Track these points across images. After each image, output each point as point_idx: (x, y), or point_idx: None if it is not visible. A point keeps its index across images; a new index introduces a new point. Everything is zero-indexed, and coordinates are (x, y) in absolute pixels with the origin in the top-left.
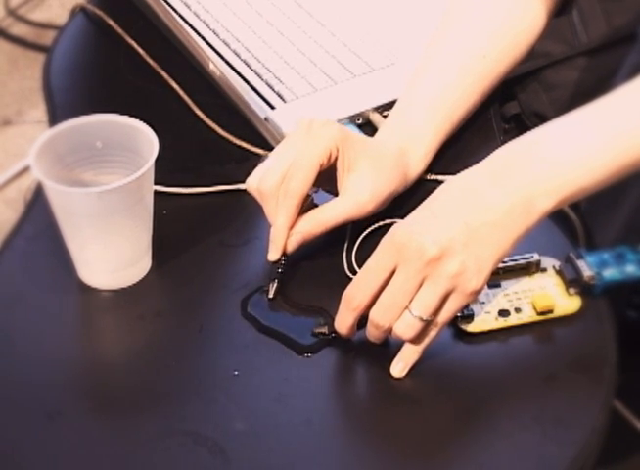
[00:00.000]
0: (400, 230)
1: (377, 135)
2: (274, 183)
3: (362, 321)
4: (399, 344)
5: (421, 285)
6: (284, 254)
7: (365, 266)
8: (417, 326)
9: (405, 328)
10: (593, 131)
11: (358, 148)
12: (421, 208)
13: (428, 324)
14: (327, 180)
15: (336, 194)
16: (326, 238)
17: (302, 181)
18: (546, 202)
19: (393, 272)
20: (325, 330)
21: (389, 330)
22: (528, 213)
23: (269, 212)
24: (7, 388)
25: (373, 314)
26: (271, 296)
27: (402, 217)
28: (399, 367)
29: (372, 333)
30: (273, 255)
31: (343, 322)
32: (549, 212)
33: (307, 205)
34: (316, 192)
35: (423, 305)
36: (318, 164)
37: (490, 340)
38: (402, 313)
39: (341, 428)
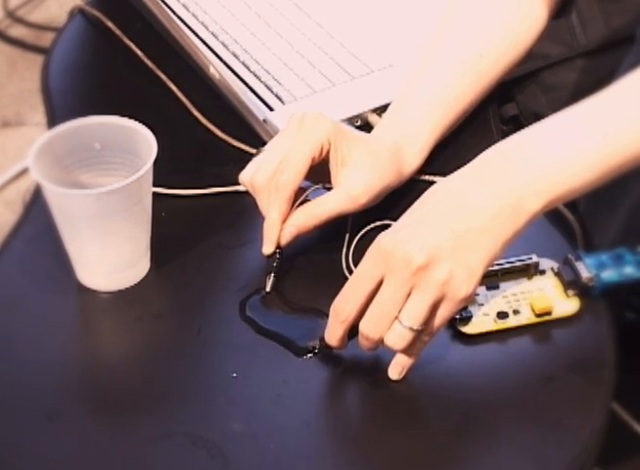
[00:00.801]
0: (386, 239)
1: (373, 131)
2: (266, 177)
3: (354, 331)
4: None
5: (409, 294)
6: (278, 247)
7: (352, 277)
8: (408, 337)
9: (396, 339)
10: (582, 131)
11: (352, 142)
12: (407, 214)
13: (419, 333)
14: (322, 174)
15: (331, 188)
16: (325, 238)
17: (293, 174)
18: (535, 203)
19: (382, 281)
20: (317, 343)
21: (381, 341)
22: (517, 216)
23: (262, 206)
24: (6, 389)
25: (362, 326)
26: (268, 289)
27: (398, 218)
28: (396, 371)
29: (363, 344)
30: (267, 248)
31: (333, 334)
32: (538, 214)
33: (300, 199)
34: (309, 187)
35: (413, 315)
36: (310, 158)
37: (489, 341)
38: (392, 324)
39: (339, 430)
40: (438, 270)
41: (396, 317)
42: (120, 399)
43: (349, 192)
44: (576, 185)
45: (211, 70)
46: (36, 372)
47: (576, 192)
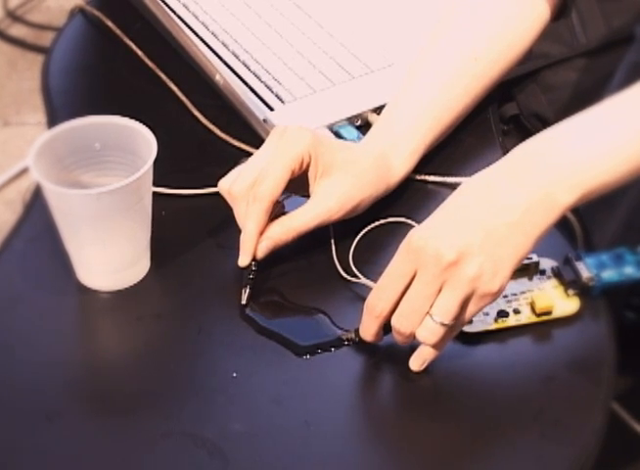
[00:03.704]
0: (417, 235)
1: (364, 138)
2: (244, 186)
3: (388, 326)
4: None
5: (440, 290)
6: (254, 259)
7: (385, 273)
8: (439, 332)
9: (427, 334)
10: (612, 127)
11: (333, 153)
12: (438, 210)
13: (451, 328)
14: (302, 186)
15: (305, 196)
16: (323, 238)
17: (271, 186)
18: (567, 198)
19: (414, 277)
20: (352, 335)
21: (413, 335)
22: (549, 211)
23: (238, 215)
24: (6, 389)
25: (394, 321)
26: (244, 302)
27: (397, 216)
28: (418, 362)
29: (397, 339)
30: (243, 260)
31: (368, 330)
32: (571, 207)
33: (277, 211)
34: (287, 198)
35: (444, 311)
36: (289, 170)
37: (489, 341)
38: (424, 319)
39: (339, 430)
40: (469, 266)
41: (428, 313)
42: (120, 399)
43: (327, 204)
44: (609, 180)
45: (212, 70)
46: (36, 372)
47: (610, 186)
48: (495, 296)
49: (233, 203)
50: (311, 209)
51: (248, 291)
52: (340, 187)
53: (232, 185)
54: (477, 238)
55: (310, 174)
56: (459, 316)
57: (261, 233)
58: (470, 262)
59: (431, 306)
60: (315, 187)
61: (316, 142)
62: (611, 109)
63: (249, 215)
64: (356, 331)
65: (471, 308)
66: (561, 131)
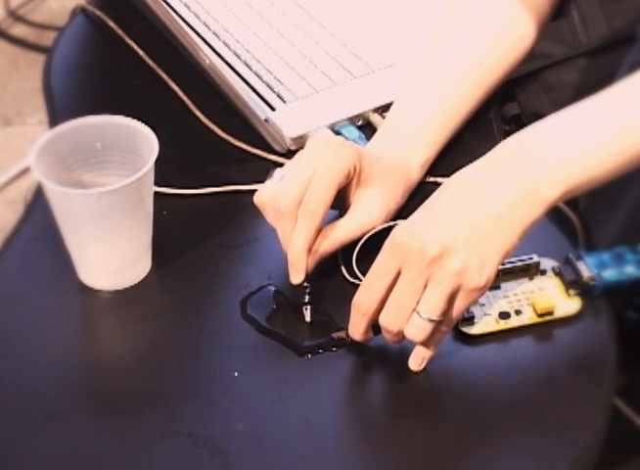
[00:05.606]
0: (401, 231)
1: (373, 142)
2: (293, 203)
3: (379, 326)
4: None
5: (426, 286)
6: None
7: (370, 271)
8: (427, 328)
9: (415, 331)
10: (599, 123)
11: (371, 165)
12: (423, 207)
13: (438, 324)
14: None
15: (339, 207)
16: None
17: (323, 203)
18: (553, 192)
19: (399, 274)
20: (343, 335)
21: (402, 333)
22: (534, 205)
23: (285, 233)
24: (7, 389)
25: (382, 319)
26: (309, 320)
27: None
28: (416, 362)
29: (386, 338)
30: (297, 278)
31: (356, 328)
32: (556, 202)
33: None
34: None
35: (430, 307)
36: (338, 185)
37: (491, 342)
38: (411, 316)
39: (340, 429)
40: (453, 260)
41: (414, 309)
42: (121, 399)
43: (370, 214)
44: (596, 175)
45: (212, 67)
46: (37, 372)
47: (597, 181)
48: (482, 290)
49: (278, 219)
50: (355, 219)
51: (310, 308)
52: (380, 197)
53: (278, 202)
54: (462, 233)
55: (352, 186)
56: (447, 312)
57: (309, 250)
58: (454, 257)
59: (417, 303)
60: (355, 198)
61: (359, 155)
62: (599, 104)
63: (299, 233)
64: (347, 331)
65: (459, 304)
66: (548, 125)
